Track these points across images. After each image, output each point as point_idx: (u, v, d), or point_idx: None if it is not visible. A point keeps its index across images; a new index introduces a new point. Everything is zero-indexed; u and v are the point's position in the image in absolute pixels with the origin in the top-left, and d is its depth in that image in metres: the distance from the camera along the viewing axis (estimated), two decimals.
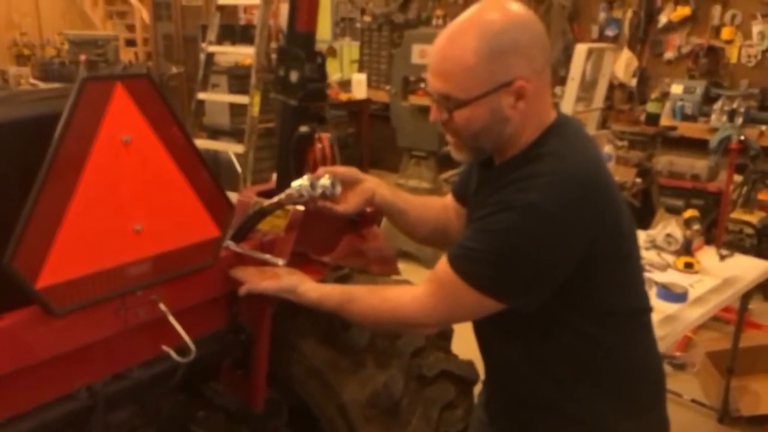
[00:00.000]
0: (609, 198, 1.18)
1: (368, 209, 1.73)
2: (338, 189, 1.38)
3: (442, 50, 1.16)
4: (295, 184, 1.38)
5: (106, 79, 1.19)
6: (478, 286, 1.16)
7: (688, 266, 2.49)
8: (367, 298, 1.33)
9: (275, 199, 1.44)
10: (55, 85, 6.34)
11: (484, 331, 1.36)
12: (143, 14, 8.60)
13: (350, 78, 6.64)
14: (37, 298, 1.11)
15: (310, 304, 1.36)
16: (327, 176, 1.38)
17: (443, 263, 1.21)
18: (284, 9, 7.10)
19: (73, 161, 1.13)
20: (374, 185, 1.44)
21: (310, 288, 1.37)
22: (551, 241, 1.11)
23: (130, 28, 9.23)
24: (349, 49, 7.19)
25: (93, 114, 1.16)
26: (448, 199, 1.56)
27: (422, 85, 5.08)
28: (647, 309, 1.33)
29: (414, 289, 1.30)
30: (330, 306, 1.34)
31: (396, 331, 1.49)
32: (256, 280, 1.41)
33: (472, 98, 1.14)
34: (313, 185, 1.37)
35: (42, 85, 6.23)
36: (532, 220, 1.10)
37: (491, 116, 1.16)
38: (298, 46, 1.55)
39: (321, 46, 1.60)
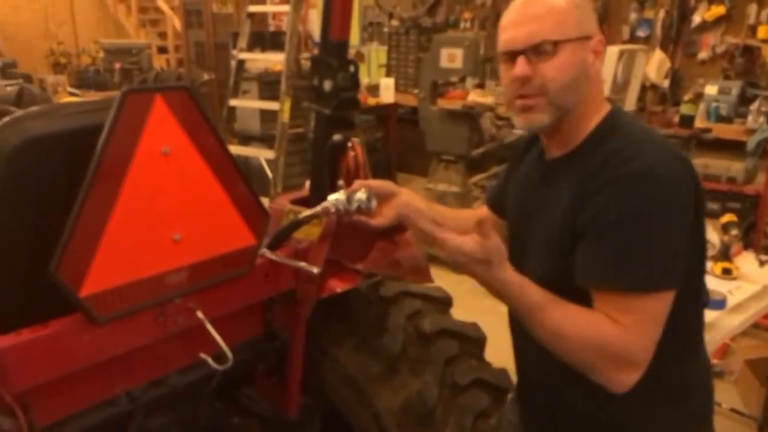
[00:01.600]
0: (690, 164, 1.15)
1: None
2: (374, 203, 1.38)
3: (528, 3, 1.17)
4: (332, 198, 1.38)
5: (147, 92, 1.22)
6: (656, 286, 1.05)
7: (727, 272, 2.44)
8: (578, 309, 1.10)
9: (311, 211, 1.45)
10: (91, 92, 6.49)
11: (524, 334, 1.18)
12: (175, 22, 8.76)
13: (378, 82, 6.66)
14: (81, 306, 1.14)
15: (497, 284, 1.11)
16: (363, 190, 1.37)
17: (608, 295, 1.07)
18: (312, 15, 7.14)
19: (115, 172, 1.16)
20: (409, 198, 1.42)
21: (509, 268, 1.11)
22: (678, 202, 1.07)
23: (163, 35, 9.41)
24: (377, 53, 7.21)
25: (134, 126, 1.18)
26: (483, 211, 1.54)
27: (452, 87, 5.07)
28: (703, 323, 1.28)
29: (613, 323, 1.07)
30: (527, 299, 1.11)
31: (593, 366, 1.09)
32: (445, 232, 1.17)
33: (568, 39, 1.13)
34: (349, 199, 1.37)
35: (77, 92, 6.38)
36: (657, 187, 1.05)
37: (580, 68, 1.15)
38: (332, 55, 1.55)
39: (349, 51, 1.60)
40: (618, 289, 1.07)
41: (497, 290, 1.12)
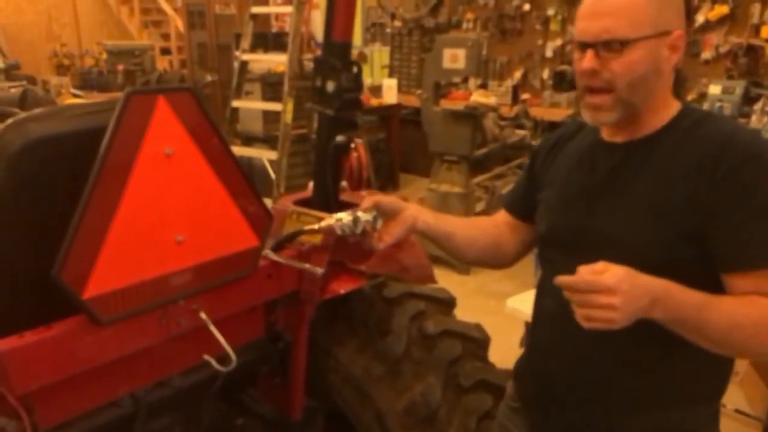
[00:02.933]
0: None
1: None
2: (379, 223, 1.36)
3: None
4: (339, 218, 1.36)
5: (150, 93, 1.21)
6: None
7: None
8: (736, 304, 1.07)
9: (315, 226, 1.43)
10: (94, 93, 6.50)
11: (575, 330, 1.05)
12: (178, 23, 8.76)
13: (381, 83, 6.66)
14: (84, 308, 1.14)
15: (671, 299, 1.04)
16: (369, 212, 1.34)
17: (762, 276, 1.05)
18: (315, 16, 7.13)
19: (118, 174, 1.16)
20: (416, 212, 1.38)
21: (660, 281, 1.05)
22: None
23: (165, 37, 9.42)
24: (380, 54, 7.21)
25: (137, 127, 1.18)
26: (500, 216, 1.49)
27: (455, 88, 5.07)
28: None
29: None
30: (696, 301, 1.05)
31: None
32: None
33: (640, 37, 1.10)
34: (356, 221, 1.34)
35: (80, 93, 6.39)
36: None
37: (652, 65, 1.13)
38: (335, 56, 1.55)
39: (352, 51, 1.60)
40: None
41: (671, 313, 1.03)
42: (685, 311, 1.04)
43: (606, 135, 1.26)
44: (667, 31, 1.12)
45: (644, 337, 1.08)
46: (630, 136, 1.21)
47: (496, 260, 1.45)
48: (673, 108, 1.19)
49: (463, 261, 1.53)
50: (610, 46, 1.12)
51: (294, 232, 1.51)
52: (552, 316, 1.27)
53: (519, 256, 1.48)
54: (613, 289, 0.97)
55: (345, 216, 1.35)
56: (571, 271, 1.02)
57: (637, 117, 1.18)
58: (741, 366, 3.23)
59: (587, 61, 1.14)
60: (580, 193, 1.26)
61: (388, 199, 1.39)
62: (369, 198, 1.38)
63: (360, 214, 1.35)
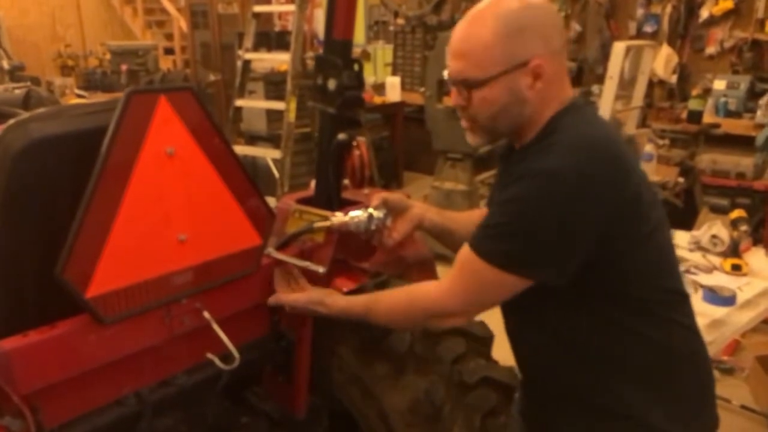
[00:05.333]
0: (627, 173, 1.15)
1: None
2: (389, 220, 1.44)
3: (461, 32, 1.19)
4: (354, 215, 1.43)
5: (151, 92, 1.22)
6: (498, 264, 1.14)
7: (736, 268, 2.42)
8: (392, 295, 1.35)
9: (326, 223, 1.47)
10: (99, 94, 6.52)
11: (514, 324, 1.35)
12: (181, 23, 8.77)
13: (384, 81, 6.65)
14: (87, 307, 1.15)
15: (338, 313, 1.40)
16: (381, 210, 1.43)
17: (464, 248, 1.21)
18: (318, 14, 7.16)
19: (120, 174, 1.16)
20: (422, 211, 1.48)
21: (337, 298, 1.42)
22: (571, 206, 1.09)
23: (169, 37, 9.43)
24: (383, 52, 7.20)
25: (138, 126, 1.18)
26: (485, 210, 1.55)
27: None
28: (679, 292, 1.27)
29: (438, 281, 1.31)
30: (358, 311, 1.37)
31: (426, 325, 1.40)
32: (284, 293, 1.46)
33: (489, 77, 1.16)
34: (370, 219, 1.41)
35: (84, 94, 6.41)
36: (550, 184, 1.08)
37: (510, 97, 1.17)
38: (336, 54, 1.55)
39: (355, 50, 1.61)
40: (467, 243, 1.20)
41: (343, 314, 1.39)
42: (360, 318, 1.37)
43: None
44: (523, 62, 1.15)
45: (554, 309, 1.21)
46: (518, 144, 1.27)
47: None
48: (549, 114, 1.21)
49: None
50: (467, 84, 1.18)
51: (304, 228, 1.52)
52: (507, 320, 1.38)
53: None
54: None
55: (360, 213, 1.39)
56: None
57: (517, 131, 1.24)
58: (747, 362, 3.22)
59: (453, 98, 1.24)
60: (492, 192, 1.39)
61: (394, 197, 1.48)
62: (378, 195, 1.42)
63: (372, 211, 1.39)
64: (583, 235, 1.11)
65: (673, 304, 1.26)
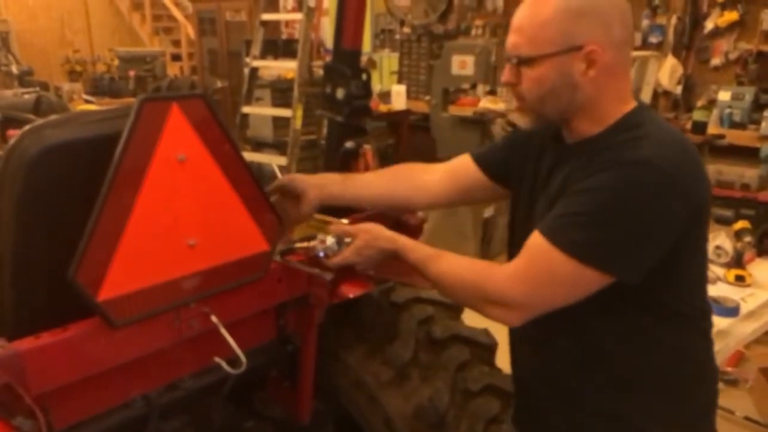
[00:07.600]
0: (706, 177, 1.16)
1: (412, 221, 1.74)
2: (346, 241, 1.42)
3: (525, 8, 1.17)
4: (322, 239, 1.43)
5: (163, 100, 1.24)
6: (578, 254, 1.07)
7: (740, 279, 2.43)
8: (458, 260, 1.26)
9: (305, 243, 1.50)
10: (106, 99, 6.56)
11: (536, 326, 1.21)
12: (189, 30, 8.84)
13: (390, 89, 6.68)
14: (98, 310, 1.16)
15: (400, 248, 1.32)
16: (330, 236, 1.41)
17: (535, 235, 1.14)
18: (325, 23, 7.18)
19: (132, 179, 1.18)
20: (319, 190, 1.47)
21: (391, 234, 1.36)
22: (659, 197, 1.06)
23: (176, 43, 9.51)
24: (389, 60, 7.24)
25: (151, 133, 1.20)
26: (456, 164, 1.52)
27: (463, 94, 5.08)
28: (708, 313, 1.28)
29: (505, 265, 1.21)
30: (418, 256, 1.30)
31: (476, 308, 1.23)
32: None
33: (542, 55, 1.14)
34: (339, 243, 1.40)
35: (92, 99, 6.45)
36: (642, 172, 1.05)
37: (560, 80, 1.15)
38: (345, 64, 1.58)
39: (361, 58, 1.63)
40: (538, 231, 1.14)
41: (406, 251, 1.31)
42: (412, 259, 1.31)
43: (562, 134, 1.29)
44: (578, 46, 1.13)
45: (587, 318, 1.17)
46: (573, 138, 1.24)
47: (412, 202, 1.56)
48: (622, 110, 1.18)
49: (410, 209, 1.67)
50: (520, 61, 1.17)
51: (286, 248, 1.54)
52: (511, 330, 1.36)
53: (451, 201, 1.55)
54: (353, 233, 1.36)
55: (329, 239, 1.41)
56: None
57: (568, 123, 1.22)
58: (750, 373, 3.22)
59: (505, 74, 1.22)
60: (533, 185, 1.32)
61: (285, 180, 1.50)
62: (336, 226, 1.44)
63: (342, 237, 1.39)
64: (668, 229, 1.08)
65: (699, 320, 1.26)
